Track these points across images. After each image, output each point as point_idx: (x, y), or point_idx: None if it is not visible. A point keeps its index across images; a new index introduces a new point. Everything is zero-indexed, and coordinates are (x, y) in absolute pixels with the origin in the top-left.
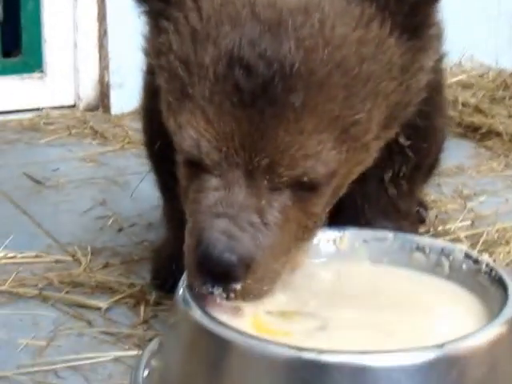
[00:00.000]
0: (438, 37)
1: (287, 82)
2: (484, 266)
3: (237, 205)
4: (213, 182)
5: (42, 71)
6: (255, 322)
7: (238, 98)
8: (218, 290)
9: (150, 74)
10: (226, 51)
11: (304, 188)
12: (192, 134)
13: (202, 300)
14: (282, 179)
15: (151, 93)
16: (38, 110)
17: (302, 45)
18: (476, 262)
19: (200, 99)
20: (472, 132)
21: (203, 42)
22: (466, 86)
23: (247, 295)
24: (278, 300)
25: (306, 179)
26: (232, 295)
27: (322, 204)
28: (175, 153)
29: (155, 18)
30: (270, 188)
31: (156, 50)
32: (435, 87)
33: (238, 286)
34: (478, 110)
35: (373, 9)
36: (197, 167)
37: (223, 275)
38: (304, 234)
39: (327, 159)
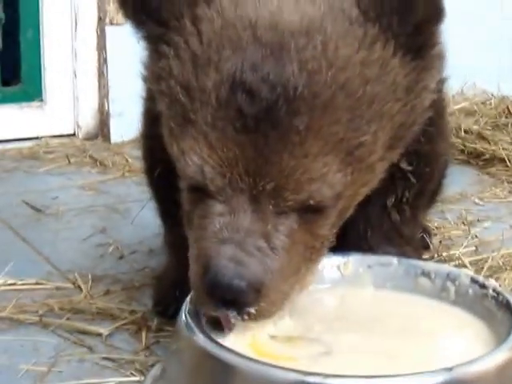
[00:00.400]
0: (441, 57)
1: (291, 105)
2: (491, 290)
3: (243, 230)
4: (217, 207)
5: (41, 100)
6: (254, 347)
7: (242, 122)
8: (232, 313)
9: (150, 100)
10: (228, 76)
11: (310, 211)
12: (195, 159)
13: (204, 324)
14: (288, 203)
15: (151, 119)
16: (37, 138)
17: (305, 67)
18: (482, 286)
19: (202, 125)
20: (475, 159)
21: (204, 66)
22: (468, 113)
23: (260, 317)
24: (283, 325)
25: (311, 202)
26: (246, 317)
27: (329, 225)
28: (177, 179)
29: (154, 43)
30: (275, 212)
31: (156, 76)
32: (437, 111)
33: (252, 310)
34: (480, 136)
35: (376, 29)
36: (201, 192)
37: (235, 301)
38: (312, 254)
39: (333, 182)
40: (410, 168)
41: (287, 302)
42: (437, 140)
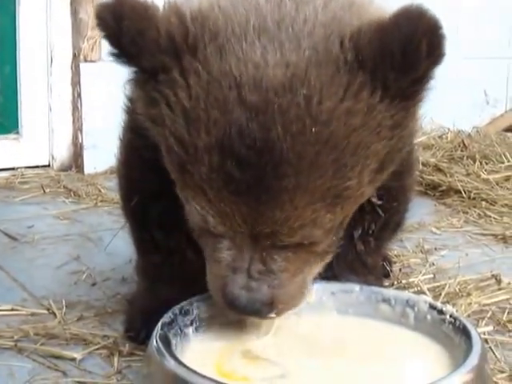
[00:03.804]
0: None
1: (278, 169)
2: (448, 316)
3: (248, 259)
4: (225, 243)
5: (17, 132)
6: (217, 366)
7: (233, 187)
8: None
9: (131, 131)
10: (217, 141)
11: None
12: (198, 209)
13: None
14: (283, 243)
15: (131, 150)
16: (13, 169)
17: (289, 129)
18: (440, 312)
19: (199, 180)
20: (432, 190)
21: (195, 123)
22: (426, 146)
23: (282, 313)
24: (258, 344)
25: (305, 242)
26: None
27: (325, 244)
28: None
29: (146, 90)
30: (272, 247)
31: (150, 119)
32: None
33: (273, 315)
34: (437, 168)
35: (364, 77)
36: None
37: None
38: (314, 259)
39: (323, 223)
40: (379, 202)
41: (303, 295)
42: (405, 176)
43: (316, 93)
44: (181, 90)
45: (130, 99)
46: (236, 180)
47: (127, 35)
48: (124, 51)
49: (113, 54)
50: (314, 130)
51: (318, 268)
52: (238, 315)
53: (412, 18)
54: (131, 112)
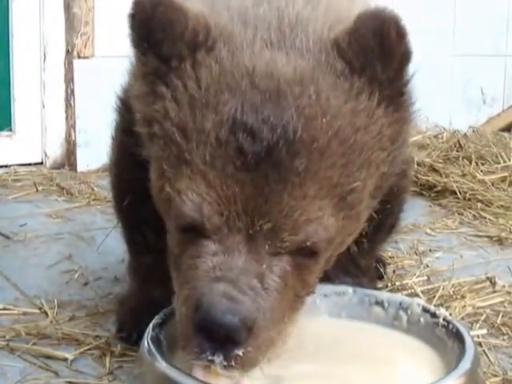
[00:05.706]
0: (416, 111)
1: (291, 146)
2: (441, 319)
3: (237, 269)
4: (211, 246)
5: (10, 130)
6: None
7: (242, 161)
8: (218, 358)
9: (124, 133)
10: (229, 116)
11: (303, 254)
12: (193, 197)
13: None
14: (284, 244)
15: (123, 150)
16: (6, 167)
17: (303, 113)
18: (433, 315)
19: (200, 164)
20: (427, 190)
21: (202, 109)
22: (421, 146)
23: (247, 363)
24: None
25: (308, 244)
26: (233, 362)
27: (316, 273)
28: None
29: (152, 83)
30: (270, 253)
31: (148, 118)
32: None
33: (240, 352)
34: (432, 169)
35: (361, 82)
36: (194, 233)
37: (225, 339)
38: (297, 303)
39: (328, 224)
40: None
41: (271, 350)
42: (400, 178)
43: (324, 91)
44: (190, 80)
45: (123, 100)
46: (245, 153)
47: (159, 21)
48: (149, 36)
49: (134, 39)
50: (324, 119)
51: (295, 315)
52: (200, 347)
53: (375, 14)
54: (123, 112)
